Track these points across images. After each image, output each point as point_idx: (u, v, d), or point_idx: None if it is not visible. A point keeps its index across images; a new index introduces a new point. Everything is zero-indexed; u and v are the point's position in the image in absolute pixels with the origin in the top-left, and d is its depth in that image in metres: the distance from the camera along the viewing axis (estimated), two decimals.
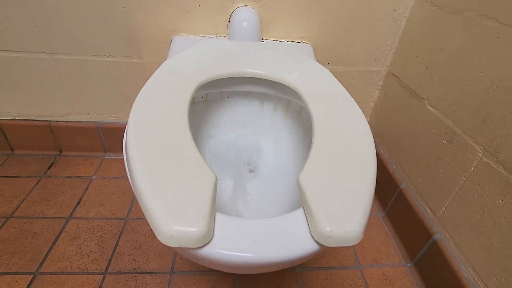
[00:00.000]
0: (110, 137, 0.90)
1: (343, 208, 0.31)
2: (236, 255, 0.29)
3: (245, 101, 0.67)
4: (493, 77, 0.50)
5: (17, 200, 0.76)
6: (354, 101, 0.49)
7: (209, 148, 0.67)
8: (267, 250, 0.29)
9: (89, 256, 0.65)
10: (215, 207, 0.32)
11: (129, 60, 0.76)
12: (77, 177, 0.85)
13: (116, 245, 0.68)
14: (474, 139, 0.54)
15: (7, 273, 0.61)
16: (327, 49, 0.77)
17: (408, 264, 0.69)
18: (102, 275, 0.62)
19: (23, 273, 0.61)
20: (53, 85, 0.79)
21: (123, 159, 0.93)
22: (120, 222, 0.73)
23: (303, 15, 0.71)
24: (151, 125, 0.39)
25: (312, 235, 0.30)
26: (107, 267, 0.63)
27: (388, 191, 0.80)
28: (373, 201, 0.86)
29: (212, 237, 0.29)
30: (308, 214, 0.32)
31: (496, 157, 0.49)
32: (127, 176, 0.73)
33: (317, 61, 0.71)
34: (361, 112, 0.47)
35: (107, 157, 0.93)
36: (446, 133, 0.60)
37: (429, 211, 0.65)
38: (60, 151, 0.92)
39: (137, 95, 0.45)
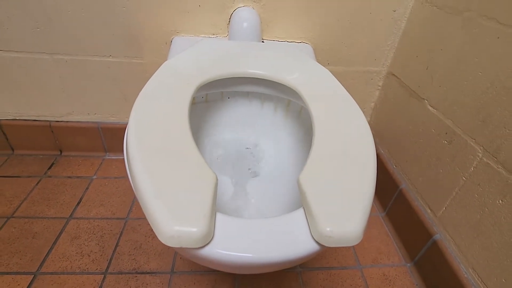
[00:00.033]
0: (111, 137, 0.90)
1: (343, 208, 0.32)
2: (237, 255, 0.29)
3: (245, 101, 0.67)
4: (493, 77, 0.50)
5: (18, 200, 0.76)
6: (354, 101, 0.49)
7: (209, 148, 0.67)
8: (267, 250, 0.29)
9: (90, 256, 0.65)
10: (215, 207, 0.32)
11: (129, 60, 0.76)
12: (78, 177, 0.85)
13: (117, 245, 0.68)
14: (474, 139, 0.54)
15: (7, 273, 0.61)
16: (327, 49, 0.77)
17: (408, 264, 0.69)
18: (103, 275, 0.62)
19: (24, 273, 0.61)
20: (53, 85, 0.79)
21: (123, 159, 0.93)
22: (121, 222, 0.73)
23: (303, 16, 0.71)
24: (152, 125, 0.39)
25: (312, 235, 0.30)
26: (108, 267, 0.64)
27: (388, 191, 0.80)
28: (373, 201, 0.85)
29: (212, 237, 0.29)
30: (308, 214, 0.32)
31: (496, 157, 0.49)
32: (127, 176, 0.73)
33: (317, 61, 0.71)
34: (361, 112, 0.47)
35: (107, 157, 0.93)
36: (446, 133, 0.60)
37: (429, 211, 0.65)
38: (61, 151, 0.92)
39: (137, 95, 0.45)
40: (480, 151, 0.53)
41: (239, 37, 0.68)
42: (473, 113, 0.54)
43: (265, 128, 0.69)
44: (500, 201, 0.48)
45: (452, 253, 0.58)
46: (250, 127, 0.69)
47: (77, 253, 0.66)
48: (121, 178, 0.86)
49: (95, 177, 0.86)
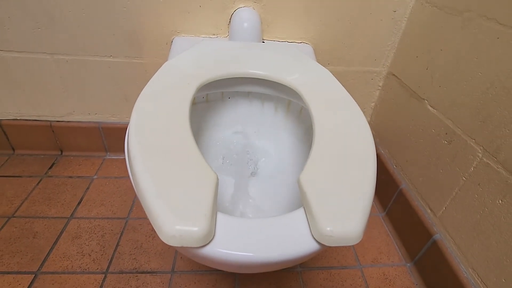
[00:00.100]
0: (111, 137, 0.90)
1: (343, 208, 0.32)
2: (237, 254, 0.29)
3: (245, 102, 0.68)
4: (493, 77, 0.50)
5: (19, 200, 0.77)
6: (354, 101, 0.49)
7: (210, 148, 0.67)
8: (268, 249, 0.29)
9: (90, 255, 0.66)
10: (216, 207, 0.32)
11: (130, 60, 0.76)
12: (78, 177, 0.85)
13: (117, 244, 0.68)
14: (474, 139, 0.54)
15: (8, 273, 0.61)
16: (328, 49, 0.77)
17: (408, 264, 0.69)
18: (103, 275, 0.62)
19: (25, 273, 0.61)
20: (54, 85, 0.79)
21: (124, 159, 0.94)
22: (121, 222, 0.73)
23: (304, 16, 0.71)
24: (153, 125, 0.39)
25: (312, 235, 0.31)
26: (108, 266, 0.64)
27: (388, 191, 0.80)
28: (373, 201, 0.86)
29: (213, 237, 0.29)
30: (308, 213, 0.32)
31: (496, 158, 0.49)
32: (128, 176, 0.73)
33: (318, 62, 0.71)
34: (361, 112, 0.47)
35: (108, 157, 0.93)
36: (446, 134, 0.61)
37: (429, 211, 0.65)
38: (61, 151, 0.92)
39: (138, 95, 0.45)
40: (480, 151, 0.53)
41: (239, 38, 0.68)
42: (473, 113, 0.54)
43: (266, 128, 0.69)
44: (500, 201, 0.49)
45: (452, 253, 0.58)
46: (250, 127, 0.69)
47: (78, 252, 0.66)
48: (121, 178, 0.86)
49: (95, 177, 0.86)
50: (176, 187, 0.32)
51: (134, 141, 0.36)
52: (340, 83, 0.54)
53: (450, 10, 0.60)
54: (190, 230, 0.28)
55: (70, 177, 0.85)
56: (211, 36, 0.73)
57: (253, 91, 0.64)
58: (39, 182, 0.82)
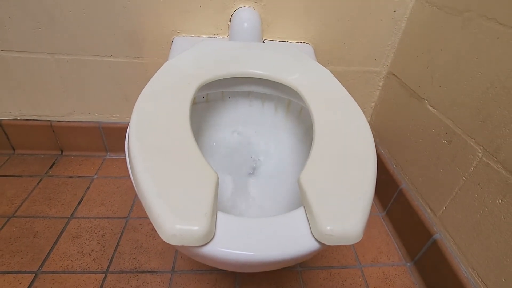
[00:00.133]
0: (112, 137, 0.90)
1: (343, 207, 0.32)
2: (238, 253, 0.29)
3: (246, 101, 0.68)
4: (493, 77, 0.50)
5: (19, 199, 0.77)
6: (354, 101, 0.49)
7: (210, 148, 0.67)
8: (268, 248, 0.29)
9: (91, 255, 0.66)
10: (216, 206, 0.32)
11: (130, 60, 0.76)
12: (79, 176, 0.85)
13: (117, 244, 0.68)
14: (474, 139, 0.54)
15: (9, 272, 0.61)
16: (328, 49, 0.77)
17: (408, 264, 0.69)
18: (104, 274, 0.62)
19: (25, 272, 0.61)
20: (54, 85, 0.79)
21: (124, 158, 0.94)
22: (122, 221, 0.74)
23: (304, 16, 0.71)
24: (153, 125, 0.39)
25: (312, 234, 0.31)
26: (109, 266, 0.64)
27: (388, 191, 0.80)
28: (374, 201, 0.86)
29: (213, 236, 0.30)
30: (308, 213, 0.32)
31: (496, 157, 0.50)
32: (128, 176, 0.73)
33: (318, 62, 0.71)
34: (362, 112, 0.47)
35: (108, 157, 0.93)
36: (446, 133, 0.61)
37: (429, 211, 0.65)
38: (62, 151, 0.92)
39: (138, 95, 0.45)
40: (480, 151, 0.53)
41: (239, 37, 0.68)
42: (473, 113, 0.54)
43: (266, 128, 0.69)
44: (500, 201, 0.49)
45: (452, 252, 0.59)
46: (250, 127, 0.69)
47: (78, 252, 0.66)
48: (122, 177, 0.86)
49: (96, 176, 0.86)
50: (176, 186, 0.32)
51: (134, 141, 0.37)
52: (340, 83, 0.54)
53: (450, 10, 0.60)
54: (191, 229, 0.28)
55: (71, 177, 0.85)
56: (211, 36, 0.73)
57: (253, 91, 0.64)
58: (39, 182, 0.82)
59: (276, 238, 0.30)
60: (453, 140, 0.59)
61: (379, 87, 0.85)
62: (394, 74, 0.79)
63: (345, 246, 0.73)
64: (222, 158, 0.66)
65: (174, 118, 0.41)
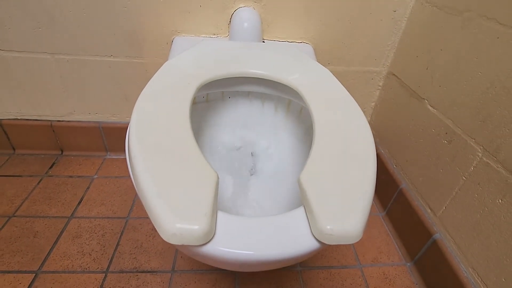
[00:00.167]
0: (112, 137, 0.90)
1: (343, 207, 0.32)
2: (238, 252, 0.29)
3: (246, 101, 0.68)
4: (493, 77, 0.50)
5: (19, 199, 0.77)
6: (354, 101, 0.49)
7: (210, 148, 0.67)
8: (268, 248, 0.29)
9: (91, 255, 0.66)
10: (216, 206, 0.32)
11: (130, 60, 0.76)
12: (79, 176, 0.85)
13: (118, 244, 0.68)
14: (474, 139, 0.54)
15: (9, 272, 0.61)
16: (328, 49, 0.77)
17: (408, 264, 0.69)
18: (104, 274, 0.62)
19: (25, 272, 0.61)
20: (54, 85, 0.79)
21: (124, 158, 0.94)
22: (122, 221, 0.74)
23: (304, 16, 0.71)
24: (153, 125, 0.40)
25: (312, 233, 0.31)
26: (109, 266, 0.64)
27: (388, 191, 0.80)
28: (374, 201, 0.86)
29: (214, 235, 0.30)
30: (308, 212, 0.32)
31: (496, 157, 0.50)
32: (128, 176, 0.73)
33: (318, 62, 0.72)
34: (362, 112, 0.47)
35: (108, 157, 0.93)
36: (446, 133, 0.61)
37: (429, 210, 0.65)
38: (62, 151, 0.92)
39: (138, 95, 0.45)
40: (480, 150, 0.53)
41: (239, 37, 0.68)
42: (473, 113, 0.54)
43: (266, 128, 0.69)
44: (500, 201, 0.49)
45: (452, 252, 0.59)
46: (250, 127, 0.69)
47: (78, 252, 0.66)
48: (122, 177, 0.86)
49: (96, 176, 0.86)
50: (176, 186, 0.32)
51: (134, 141, 0.37)
52: (340, 83, 0.54)
53: (450, 10, 0.60)
54: (191, 229, 0.28)
55: (71, 176, 0.85)
56: (211, 36, 0.73)
57: (253, 91, 0.64)
58: (39, 181, 0.82)
59: (276, 238, 0.30)
60: (453, 140, 0.59)
61: (379, 87, 0.86)
62: (394, 74, 0.79)
63: (345, 246, 0.73)
64: (222, 158, 0.67)
65: (174, 118, 0.41)
